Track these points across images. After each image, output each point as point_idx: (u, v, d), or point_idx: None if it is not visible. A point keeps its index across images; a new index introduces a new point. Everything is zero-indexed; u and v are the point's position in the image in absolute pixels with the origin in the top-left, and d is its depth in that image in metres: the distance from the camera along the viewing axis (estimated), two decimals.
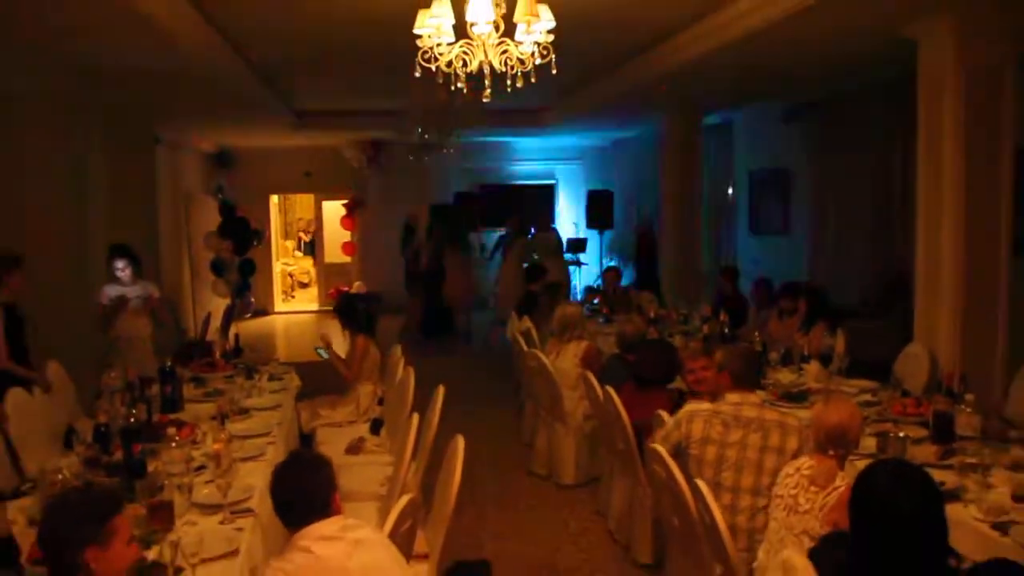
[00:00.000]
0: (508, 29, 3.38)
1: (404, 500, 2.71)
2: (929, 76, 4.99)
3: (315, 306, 14.61)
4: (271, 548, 2.91)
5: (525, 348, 6.01)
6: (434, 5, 3.30)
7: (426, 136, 9.02)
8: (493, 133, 12.65)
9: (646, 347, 4.79)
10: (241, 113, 9.08)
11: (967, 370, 4.24)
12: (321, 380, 5.86)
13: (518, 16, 3.29)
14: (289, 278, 16.04)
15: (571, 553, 4.44)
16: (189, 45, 5.29)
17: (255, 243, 11.40)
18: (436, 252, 11.38)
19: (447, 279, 11.30)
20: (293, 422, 4.95)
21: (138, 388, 4.28)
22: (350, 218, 14.14)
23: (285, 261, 16.15)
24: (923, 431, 3.62)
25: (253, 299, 13.02)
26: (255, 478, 3.25)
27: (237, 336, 6.38)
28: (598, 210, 12.97)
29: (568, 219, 14.30)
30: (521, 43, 3.37)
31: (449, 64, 3.39)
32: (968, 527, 2.74)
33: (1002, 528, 2.67)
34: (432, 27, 3.33)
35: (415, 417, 3.69)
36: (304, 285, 16.35)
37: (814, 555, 2.17)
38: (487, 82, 3.43)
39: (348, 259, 14.58)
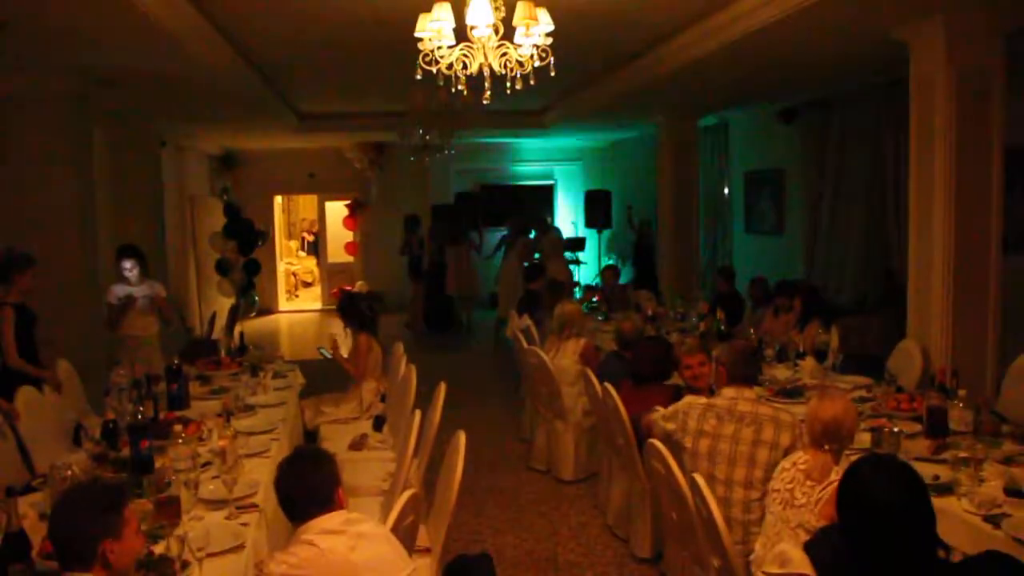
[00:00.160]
0: (507, 32, 3.43)
1: (406, 495, 2.74)
2: (920, 78, 5.02)
3: (318, 305, 14.67)
4: (276, 542, 2.96)
5: (525, 345, 6.07)
6: (435, 9, 3.35)
7: (427, 137, 9.06)
8: (493, 134, 12.71)
9: (643, 344, 4.82)
10: (245, 116, 9.11)
11: (959, 366, 4.28)
12: (324, 378, 5.94)
13: (517, 20, 3.35)
14: (293, 277, 16.10)
15: (571, 547, 4.48)
16: (194, 49, 5.34)
17: (259, 243, 11.45)
18: (438, 249, 11.50)
19: (449, 270, 11.43)
20: (297, 419, 5.01)
21: (145, 385, 4.33)
22: (352, 218, 14.22)
23: (289, 261, 16.20)
24: (917, 426, 3.66)
25: (257, 298, 13.08)
26: (260, 474, 3.29)
27: (242, 334, 6.44)
28: (597, 210, 13.04)
29: (567, 219, 14.35)
30: (520, 46, 3.43)
31: (450, 67, 3.44)
32: (961, 520, 2.77)
33: (994, 521, 2.70)
34: (433, 31, 3.39)
35: (417, 414, 3.73)
36: (308, 284, 16.41)
37: (809, 548, 2.19)
38: (487, 84, 3.48)
39: (351, 259, 14.67)
